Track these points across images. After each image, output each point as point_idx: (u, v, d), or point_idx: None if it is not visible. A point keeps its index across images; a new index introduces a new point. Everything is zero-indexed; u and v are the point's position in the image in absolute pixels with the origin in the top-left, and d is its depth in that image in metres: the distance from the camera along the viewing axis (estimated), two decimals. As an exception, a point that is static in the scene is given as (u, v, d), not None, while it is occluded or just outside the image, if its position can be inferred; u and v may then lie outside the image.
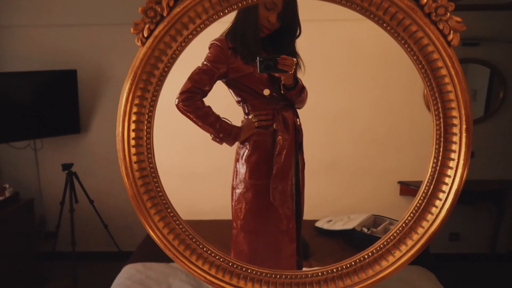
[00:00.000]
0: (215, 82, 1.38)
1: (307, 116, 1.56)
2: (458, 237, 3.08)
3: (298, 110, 1.50)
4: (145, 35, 0.62)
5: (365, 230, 2.43)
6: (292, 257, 1.43)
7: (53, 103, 3.01)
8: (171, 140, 3.00)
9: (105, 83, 3.09)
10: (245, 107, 1.39)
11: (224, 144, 1.47)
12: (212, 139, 1.36)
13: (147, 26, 0.62)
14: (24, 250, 2.91)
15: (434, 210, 0.66)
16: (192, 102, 1.31)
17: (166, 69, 0.65)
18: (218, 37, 1.41)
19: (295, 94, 1.34)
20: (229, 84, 1.39)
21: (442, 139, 0.65)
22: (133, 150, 0.66)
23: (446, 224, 0.65)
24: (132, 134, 0.66)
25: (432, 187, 0.66)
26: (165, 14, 0.61)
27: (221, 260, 0.76)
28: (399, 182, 3.14)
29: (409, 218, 0.68)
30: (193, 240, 0.75)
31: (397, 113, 3.13)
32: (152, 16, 0.61)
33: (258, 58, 1.22)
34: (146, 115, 0.66)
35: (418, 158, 3.10)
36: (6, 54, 3.05)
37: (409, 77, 3.05)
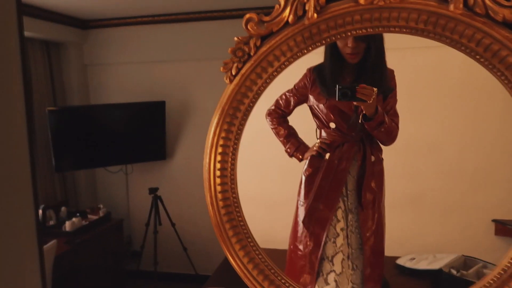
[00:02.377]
0: (295, 105, 1.53)
1: (391, 147, 1.52)
2: None
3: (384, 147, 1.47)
4: (233, 73, 0.66)
5: (454, 272, 2.22)
6: None
7: (143, 131, 3.28)
8: (252, 170, 3.08)
9: (190, 114, 3.29)
10: (317, 132, 1.49)
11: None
12: (285, 151, 1.51)
13: (235, 65, 0.66)
14: (112, 267, 3.12)
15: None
16: (271, 118, 1.55)
17: (251, 104, 0.68)
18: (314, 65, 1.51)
19: (374, 126, 1.32)
20: (310, 109, 1.50)
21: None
22: (218, 181, 0.70)
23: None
24: (218, 166, 0.69)
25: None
26: (252, 54, 0.65)
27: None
28: (493, 221, 2.84)
29: (508, 264, 0.62)
30: (272, 271, 0.75)
31: (490, 145, 2.88)
32: (240, 56, 0.65)
33: (337, 86, 1.23)
34: (231, 148, 0.69)
35: (516, 195, 2.80)
36: (103, 88, 3.41)
37: (503, 106, 2.82)
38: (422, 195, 2.93)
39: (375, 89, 1.23)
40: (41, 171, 3.05)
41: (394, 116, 1.41)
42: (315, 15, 0.62)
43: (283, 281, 0.76)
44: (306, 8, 0.62)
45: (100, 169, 3.36)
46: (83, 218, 2.87)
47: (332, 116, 1.43)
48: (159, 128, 3.20)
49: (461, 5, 0.58)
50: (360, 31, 0.63)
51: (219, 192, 0.70)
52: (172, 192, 3.26)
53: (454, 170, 2.94)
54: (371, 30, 0.64)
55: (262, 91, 0.68)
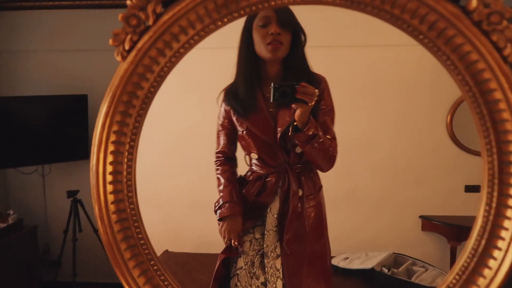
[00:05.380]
0: (229, 139, 1.36)
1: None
2: None
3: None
4: (127, 48, 0.51)
5: (385, 270, 2.24)
6: None
7: (63, 128, 2.96)
8: (182, 168, 2.90)
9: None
10: (246, 158, 1.37)
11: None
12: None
13: (129, 37, 0.51)
14: (25, 278, 2.80)
15: (487, 272, 0.51)
16: (215, 163, 1.40)
17: (152, 89, 0.53)
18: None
19: (306, 139, 1.13)
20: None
21: (496, 181, 0.51)
22: (109, 188, 0.54)
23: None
24: (109, 168, 0.54)
25: (484, 242, 0.51)
26: (150, 23, 0.50)
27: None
28: (420, 217, 2.94)
29: (453, 281, 0.53)
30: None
31: (418, 143, 2.97)
32: (135, 25, 0.50)
33: (272, 84, 1.05)
34: (127, 145, 0.54)
35: (441, 191, 2.91)
36: (17, 79, 3.04)
37: (431, 106, 2.92)
38: (355, 192, 2.95)
39: (316, 90, 1.08)
40: None
41: (328, 133, 1.24)
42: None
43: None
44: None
45: (11, 170, 2.98)
46: (-13, 227, 2.52)
47: (252, 144, 1.27)
48: (80, 124, 2.90)
49: (404, -26, 0.49)
50: (286, 0, 0.51)
51: (112, 203, 0.55)
52: (96, 194, 2.98)
53: (386, 167, 3.00)
54: (299, 0, 0.53)
55: (166, 73, 0.53)
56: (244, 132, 1.26)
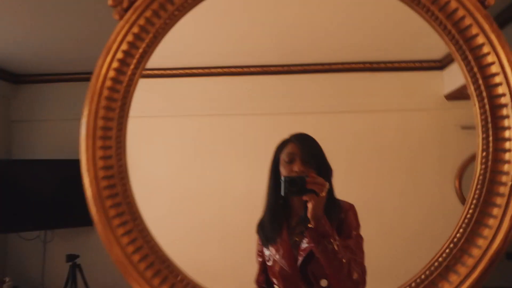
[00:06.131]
0: (262, 268, 1.30)
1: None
2: None
3: None
4: (125, 7, 0.55)
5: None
6: None
7: (67, 193, 2.96)
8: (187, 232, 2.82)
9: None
10: None
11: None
12: None
13: (127, -4, 0.55)
14: None
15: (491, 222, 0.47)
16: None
17: (147, 48, 0.55)
18: None
19: (317, 236, 1.09)
20: None
21: (490, 125, 0.49)
22: (99, 143, 0.54)
23: None
24: (100, 123, 0.54)
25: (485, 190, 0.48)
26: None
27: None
28: None
29: (458, 235, 0.49)
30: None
31: (429, 208, 2.88)
32: (133, -15, 0.55)
33: (283, 177, 1.08)
34: (119, 102, 0.54)
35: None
36: (30, 145, 3.14)
37: (438, 170, 2.89)
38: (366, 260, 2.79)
39: (327, 183, 1.08)
40: None
41: (353, 253, 1.18)
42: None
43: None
44: None
45: (12, 235, 2.92)
46: (-20, 292, 2.40)
47: (276, 274, 1.22)
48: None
49: None
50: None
51: (100, 158, 0.54)
52: (97, 261, 2.86)
53: (396, 233, 2.88)
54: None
55: (160, 35, 0.56)
56: (269, 261, 1.25)
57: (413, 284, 0.50)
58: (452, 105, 1.98)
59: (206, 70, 2.32)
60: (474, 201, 0.48)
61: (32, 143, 3.18)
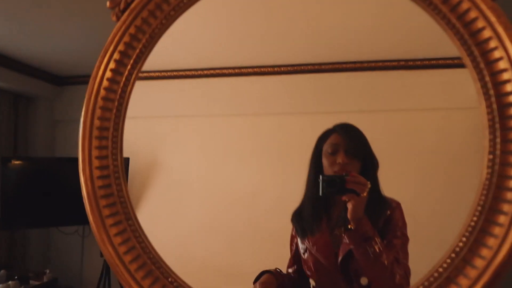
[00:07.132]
0: (295, 257, 1.26)
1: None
2: None
3: None
4: (122, 8, 0.55)
5: None
6: None
7: (106, 189, 3.06)
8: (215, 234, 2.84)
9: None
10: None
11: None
12: None
13: (124, -2, 0.55)
14: None
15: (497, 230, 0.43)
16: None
17: (143, 49, 0.56)
18: None
19: (358, 239, 1.03)
20: None
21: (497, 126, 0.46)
22: (95, 142, 0.55)
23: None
24: (97, 123, 0.55)
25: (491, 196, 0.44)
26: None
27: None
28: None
29: (461, 244, 0.45)
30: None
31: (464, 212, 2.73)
32: (130, -13, 0.55)
33: (321, 176, 1.01)
34: (116, 102, 0.55)
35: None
36: (71, 144, 3.28)
37: (477, 172, 2.73)
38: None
39: (368, 182, 1.01)
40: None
41: (396, 255, 1.09)
42: None
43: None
44: None
45: (52, 229, 3.08)
46: (22, 283, 2.53)
47: (312, 269, 1.17)
48: (122, 186, 3.00)
49: None
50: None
51: (96, 158, 0.55)
52: (130, 256, 2.96)
53: (433, 242, 2.75)
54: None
55: (157, 35, 0.56)
56: (305, 254, 1.21)
57: (409, 295, 0.46)
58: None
59: (237, 70, 2.33)
60: (479, 208, 0.45)
61: (74, 142, 3.32)
